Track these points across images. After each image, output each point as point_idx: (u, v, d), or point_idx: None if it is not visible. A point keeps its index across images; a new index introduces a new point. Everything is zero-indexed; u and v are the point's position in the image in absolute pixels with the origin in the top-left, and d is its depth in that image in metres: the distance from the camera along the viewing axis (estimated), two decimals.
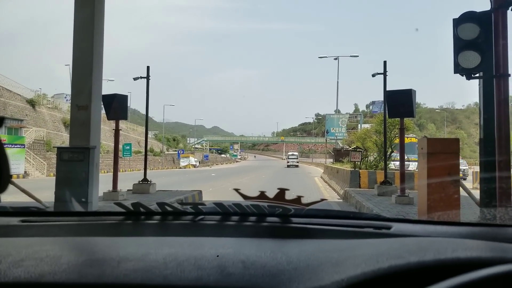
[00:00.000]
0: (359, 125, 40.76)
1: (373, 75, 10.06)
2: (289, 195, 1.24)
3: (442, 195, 4.43)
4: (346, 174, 13.15)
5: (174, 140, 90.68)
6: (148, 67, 10.60)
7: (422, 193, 4.71)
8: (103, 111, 8.95)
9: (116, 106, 8.73)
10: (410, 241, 0.95)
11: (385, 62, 9.92)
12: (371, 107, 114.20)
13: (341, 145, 45.86)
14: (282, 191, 1.23)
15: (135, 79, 10.57)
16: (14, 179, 23.16)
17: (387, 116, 10.06)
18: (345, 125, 39.21)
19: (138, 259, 0.78)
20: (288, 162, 49.53)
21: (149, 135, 79.16)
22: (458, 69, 4.33)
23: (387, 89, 8.61)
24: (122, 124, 59.63)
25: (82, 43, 7.11)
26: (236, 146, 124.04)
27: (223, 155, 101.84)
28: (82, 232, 1.17)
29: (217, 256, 0.81)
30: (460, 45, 4.34)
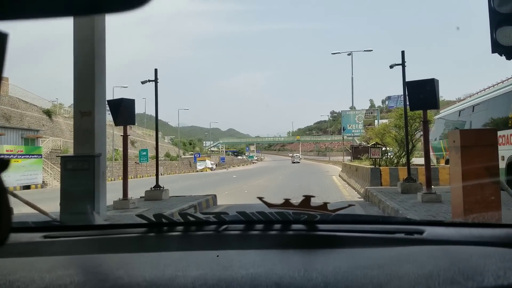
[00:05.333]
0: (375, 121, 39.81)
1: (391, 66, 9.50)
2: (314, 202, 1.19)
3: (480, 193, 3.91)
4: (366, 171, 12.56)
5: (190, 144, 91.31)
6: (156, 70, 10.29)
7: (456, 192, 4.19)
8: (110, 118, 8.68)
9: (123, 111, 8.41)
10: (453, 253, 0.89)
11: (403, 52, 9.38)
12: (387, 102, 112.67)
13: (358, 142, 45.08)
14: (307, 198, 1.18)
15: (143, 82, 10.28)
16: (32, 189, 23.36)
17: (408, 108, 9.50)
18: (362, 121, 38.24)
19: (166, 284, 0.74)
20: (293, 160, 71.88)
21: (165, 140, 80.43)
22: (497, 48, 3.79)
23: (407, 80, 8.08)
24: (139, 130, 60.04)
25: (83, 46, 6.81)
26: (252, 148, 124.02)
27: (239, 157, 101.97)
28: (105, 248, 1.13)
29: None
30: (497, 20, 3.80)
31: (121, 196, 8.50)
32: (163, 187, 10.08)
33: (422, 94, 7.48)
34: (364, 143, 27.34)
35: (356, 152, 28.16)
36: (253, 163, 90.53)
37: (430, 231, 1.08)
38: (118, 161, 40.25)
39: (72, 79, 6.84)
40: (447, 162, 12.50)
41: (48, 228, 1.29)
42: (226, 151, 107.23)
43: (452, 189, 4.42)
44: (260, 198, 1.22)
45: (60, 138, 35.01)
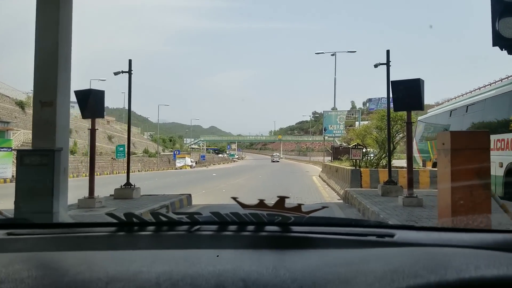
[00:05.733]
0: (356, 122, 39.77)
1: (376, 66, 9.22)
2: (289, 203, 1.19)
3: (470, 199, 3.60)
4: (346, 173, 12.28)
5: (170, 140, 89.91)
6: (130, 61, 9.72)
7: (444, 197, 3.87)
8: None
9: (92, 102, 7.84)
10: (419, 252, 0.92)
11: (388, 52, 9.11)
12: (368, 104, 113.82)
13: (339, 143, 45.13)
14: (281, 199, 1.17)
15: (115, 73, 9.70)
16: (0, 183, 22.30)
17: (391, 109, 9.25)
18: (343, 122, 38.12)
19: (129, 279, 0.74)
20: (273, 159, 77.53)
21: (145, 136, 79.06)
22: (499, 40, 3.43)
23: (391, 80, 7.79)
24: (117, 125, 58.80)
25: (46, 31, 6.24)
26: (233, 146, 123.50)
27: (220, 155, 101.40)
28: (71, 246, 1.10)
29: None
30: (500, 9, 3.41)
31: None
32: (134, 185, 9.54)
33: (406, 94, 7.20)
34: (345, 144, 27.26)
35: (337, 152, 28.11)
36: (234, 161, 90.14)
37: (400, 235, 1.09)
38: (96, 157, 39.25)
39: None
40: (434, 165, 12.17)
41: (12, 226, 1.27)
42: (207, 149, 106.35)
43: (439, 192, 4.11)
44: (234, 198, 1.20)
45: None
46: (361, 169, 11.44)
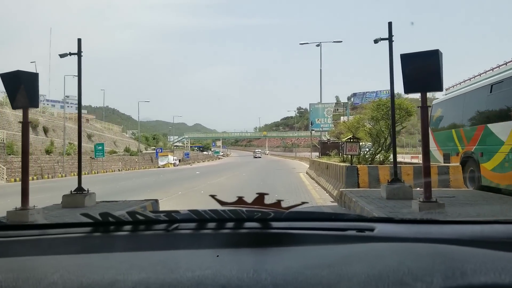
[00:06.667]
0: (341, 117, 38.17)
1: (376, 41, 7.69)
2: (269, 199, 1.18)
3: None
4: (340, 170, 10.72)
5: (154, 138, 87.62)
6: (79, 40, 7.97)
7: None
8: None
9: (22, 89, 6.13)
10: (401, 250, 0.90)
11: (390, 24, 7.63)
12: (352, 99, 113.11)
13: (326, 138, 43.72)
14: (261, 196, 1.17)
15: (61, 56, 7.96)
16: None
17: (394, 92, 7.76)
18: (331, 115, 36.46)
19: None
20: (255, 155, 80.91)
21: (127, 134, 76.87)
22: None
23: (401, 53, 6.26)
24: (97, 124, 56.92)
25: None
26: (218, 143, 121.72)
27: (205, 152, 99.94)
28: (44, 249, 1.05)
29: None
30: None
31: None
32: (87, 190, 7.83)
33: (421, 71, 5.69)
34: (334, 139, 25.79)
35: (325, 148, 26.72)
36: (219, 158, 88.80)
37: (380, 228, 1.09)
38: (72, 156, 37.25)
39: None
40: (464, 162, 10.09)
41: None
42: (191, 146, 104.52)
43: None
44: (213, 196, 1.19)
45: (4, 131, 31.62)
46: (358, 166, 9.90)
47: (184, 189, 14.07)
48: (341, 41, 33.27)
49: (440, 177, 9.28)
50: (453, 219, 1.24)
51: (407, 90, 5.94)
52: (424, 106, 5.86)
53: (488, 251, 0.82)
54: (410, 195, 7.14)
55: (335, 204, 9.31)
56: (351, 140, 10.69)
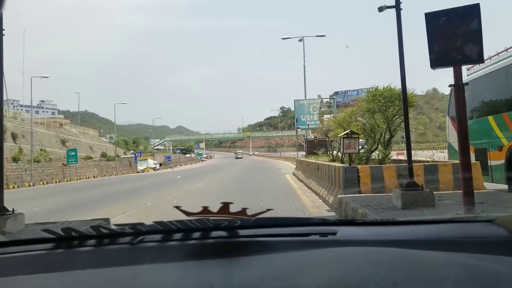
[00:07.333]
0: (324, 115, 36.45)
1: (380, 9, 6.09)
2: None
3: None
4: (336, 172, 9.02)
5: (134, 142, 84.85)
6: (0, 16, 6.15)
7: None
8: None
9: None
10: (361, 254, 0.92)
11: None
12: (335, 97, 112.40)
13: (311, 136, 42.19)
14: (226, 205, 1.16)
15: None
16: None
17: (405, 73, 6.14)
18: (317, 111, 34.81)
19: None
20: (236, 156, 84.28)
21: (104, 139, 74.17)
22: None
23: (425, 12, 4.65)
24: (72, 128, 54.25)
25: None
26: (201, 145, 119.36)
27: (187, 155, 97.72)
28: (4, 269, 0.99)
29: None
30: None
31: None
32: (12, 211, 5.97)
33: (454, 37, 4.08)
34: (321, 136, 24.24)
35: (311, 146, 25.22)
36: (202, 161, 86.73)
37: (342, 232, 1.10)
38: (41, 163, 34.87)
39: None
40: (510, 163, 7.42)
41: None
42: (173, 149, 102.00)
43: None
44: (178, 207, 1.18)
45: None
46: (359, 166, 8.22)
47: (155, 198, 12.23)
48: (324, 35, 31.89)
49: (455, 177, 7.71)
50: (411, 219, 1.21)
51: (435, 63, 4.30)
52: (460, 84, 4.24)
53: (442, 254, 0.88)
54: (432, 202, 5.57)
55: (333, 213, 7.67)
56: (350, 136, 9.02)
